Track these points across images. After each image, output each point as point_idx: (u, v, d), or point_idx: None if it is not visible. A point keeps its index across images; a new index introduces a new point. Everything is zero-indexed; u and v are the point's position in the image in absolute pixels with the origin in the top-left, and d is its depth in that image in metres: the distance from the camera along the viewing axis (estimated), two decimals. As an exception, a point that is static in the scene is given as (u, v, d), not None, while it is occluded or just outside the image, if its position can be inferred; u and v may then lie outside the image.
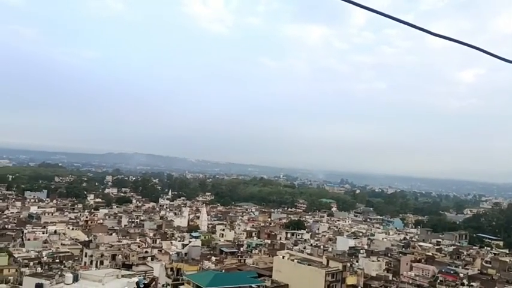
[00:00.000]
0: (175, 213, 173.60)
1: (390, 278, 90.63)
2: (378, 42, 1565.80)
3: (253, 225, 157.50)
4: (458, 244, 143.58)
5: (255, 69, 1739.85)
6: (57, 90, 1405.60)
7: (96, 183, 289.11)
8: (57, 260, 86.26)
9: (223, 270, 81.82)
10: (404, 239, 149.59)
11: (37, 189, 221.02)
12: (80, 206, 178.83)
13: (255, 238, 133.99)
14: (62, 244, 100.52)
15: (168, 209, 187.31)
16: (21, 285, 51.71)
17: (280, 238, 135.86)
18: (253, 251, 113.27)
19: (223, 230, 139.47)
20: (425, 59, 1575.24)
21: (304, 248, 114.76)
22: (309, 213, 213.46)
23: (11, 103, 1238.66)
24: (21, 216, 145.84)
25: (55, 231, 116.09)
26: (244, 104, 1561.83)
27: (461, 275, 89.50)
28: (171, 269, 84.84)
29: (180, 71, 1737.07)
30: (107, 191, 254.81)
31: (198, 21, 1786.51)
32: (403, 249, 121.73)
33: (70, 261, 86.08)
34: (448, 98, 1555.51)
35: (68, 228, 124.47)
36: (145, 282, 41.77)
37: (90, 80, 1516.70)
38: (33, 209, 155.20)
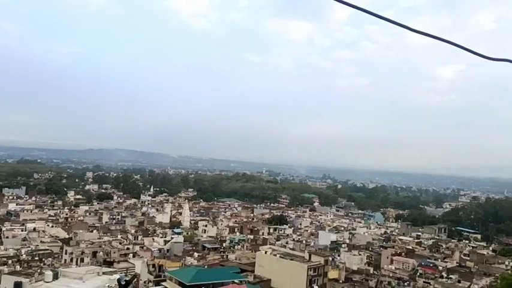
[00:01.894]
0: (157, 210, 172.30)
1: (371, 271, 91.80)
2: (359, 38, 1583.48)
3: (236, 221, 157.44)
4: (438, 237, 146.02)
5: (239, 64, 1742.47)
6: (37, 85, 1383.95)
7: (77, 180, 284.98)
8: (37, 258, 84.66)
9: (205, 266, 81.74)
10: (385, 233, 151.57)
11: (15, 186, 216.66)
12: (60, 202, 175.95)
13: (237, 234, 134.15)
14: (41, 241, 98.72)
15: (150, 205, 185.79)
16: (-1, 283, 50.84)
17: (263, 233, 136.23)
18: (236, 247, 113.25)
19: (206, 225, 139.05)
20: (405, 55, 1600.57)
21: (287, 243, 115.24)
22: (292, 208, 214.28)
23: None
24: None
25: (34, 229, 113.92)
26: (227, 100, 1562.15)
27: (440, 267, 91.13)
28: (153, 265, 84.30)
29: (163, 67, 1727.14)
30: (87, 187, 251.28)
31: (182, 16, 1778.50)
32: (384, 243, 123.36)
33: (50, 259, 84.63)
34: (428, 93, 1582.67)
35: (48, 225, 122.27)
36: (127, 279, 41.33)
37: (71, 75, 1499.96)
38: (12, 206, 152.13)
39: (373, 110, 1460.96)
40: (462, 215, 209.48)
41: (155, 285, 67.81)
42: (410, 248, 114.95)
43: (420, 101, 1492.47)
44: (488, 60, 6.81)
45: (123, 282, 41.62)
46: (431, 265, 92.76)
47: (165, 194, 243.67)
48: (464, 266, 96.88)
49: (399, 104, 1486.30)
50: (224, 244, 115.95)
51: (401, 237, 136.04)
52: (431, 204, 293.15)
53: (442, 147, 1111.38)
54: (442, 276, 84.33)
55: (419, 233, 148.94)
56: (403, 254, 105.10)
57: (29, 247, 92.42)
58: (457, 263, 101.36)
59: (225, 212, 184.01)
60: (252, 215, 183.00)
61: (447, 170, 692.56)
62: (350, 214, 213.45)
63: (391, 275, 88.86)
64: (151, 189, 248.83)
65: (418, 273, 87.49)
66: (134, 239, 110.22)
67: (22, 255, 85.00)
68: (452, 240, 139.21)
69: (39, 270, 59.17)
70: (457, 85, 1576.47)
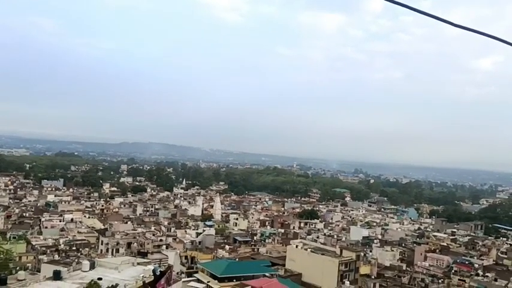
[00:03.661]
0: (189, 202, 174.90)
1: (404, 267, 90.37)
2: (394, 30, 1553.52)
3: (266, 215, 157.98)
4: (474, 234, 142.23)
5: (270, 58, 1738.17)
6: (74, 80, 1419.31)
7: (112, 172, 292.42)
8: (74, 248, 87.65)
9: (237, 259, 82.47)
10: (419, 229, 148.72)
11: (54, 178, 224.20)
12: (96, 194, 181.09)
13: (268, 227, 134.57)
14: (78, 232, 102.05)
15: (182, 198, 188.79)
16: (39, 272, 52.65)
17: (294, 227, 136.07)
18: (267, 240, 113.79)
19: (237, 219, 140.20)
20: (442, 47, 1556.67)
21: (318, 238, 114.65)
22: (323, 203, 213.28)
23: (28, 94, 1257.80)
24: (38, 204, 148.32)
25: (72, 220, 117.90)
26: (258, 94, 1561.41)
27: (476, 265, 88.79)
28: (186, 257, 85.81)
29: (195, 61, 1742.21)
30: (122, 180, 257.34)
31: (213, 10, 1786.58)
32: (418, 239, 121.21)
33: (86, 249, 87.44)
34: (466, 86, 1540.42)
35: (84, 216, 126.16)
36: (161, 270, 42.27)
37: (105, 70, 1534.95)
38: (50, 198, 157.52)
39: (407, 103, 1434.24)
40: (500, 211, 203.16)
41: (188, 277, 68.85)
42: (445, 244, 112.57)
43: (457, 94, 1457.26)
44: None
45: (158, 273, 42.64)
46: (466, 262, 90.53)
47: (197, 187, 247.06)
48: (502, 264, 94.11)
49: (435, 96, 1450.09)
50: (255, 237, 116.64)
51: (435, 234, 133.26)
52: (468, 200, 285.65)
53: (479, 142, 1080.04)
54: (478, 274, 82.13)
55: (455, 230, 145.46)
56: (437, 250, 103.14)
57: (67, 237, 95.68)
58: (494, 261, 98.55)
59: (256, 206, 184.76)
60: (282, 209, 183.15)
61: (484, 165, 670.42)
62: (382, 209, 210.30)
63: (424, 271, 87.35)
64: (184, 182, 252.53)
65: (453, 271, 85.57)
66: (167, 231, 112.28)
67: (60, 245, 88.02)
68: (489, 238, 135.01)
69: (76, 260, 61.07)
70: (496, 77, 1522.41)
